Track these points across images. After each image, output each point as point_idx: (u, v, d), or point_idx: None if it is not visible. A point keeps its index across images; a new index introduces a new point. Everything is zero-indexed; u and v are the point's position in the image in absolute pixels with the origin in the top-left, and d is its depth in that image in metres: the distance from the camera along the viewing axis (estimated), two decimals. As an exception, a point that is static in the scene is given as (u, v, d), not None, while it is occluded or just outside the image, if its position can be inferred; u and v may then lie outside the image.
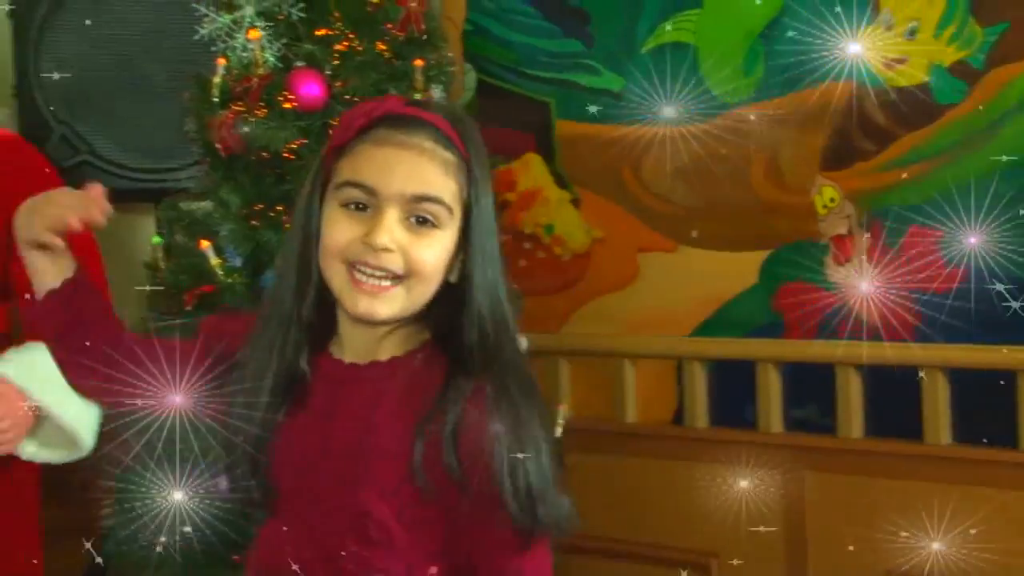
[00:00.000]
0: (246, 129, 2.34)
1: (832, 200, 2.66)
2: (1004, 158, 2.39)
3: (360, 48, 2.42)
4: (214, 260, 2.31)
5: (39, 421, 2.20)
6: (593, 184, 3.05)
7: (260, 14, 2.37)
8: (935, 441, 2.52)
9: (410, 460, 1.35)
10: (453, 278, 1.43)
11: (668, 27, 2.91)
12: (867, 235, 2.60)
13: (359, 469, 1.38)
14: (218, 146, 2.38)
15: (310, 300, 1.44)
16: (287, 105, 2.35)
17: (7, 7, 2.82)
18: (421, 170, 1.40)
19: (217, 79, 2.39)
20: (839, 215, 2.65)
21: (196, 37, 2.37)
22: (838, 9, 2.59)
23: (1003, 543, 2.23)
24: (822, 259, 2.67)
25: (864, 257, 2.61)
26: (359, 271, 1.39)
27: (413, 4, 2.50)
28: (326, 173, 1.45)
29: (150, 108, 2.78)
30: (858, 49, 2.53)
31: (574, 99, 3.06)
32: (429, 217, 1.40)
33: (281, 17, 2.38)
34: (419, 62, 2.44)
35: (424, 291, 1.41)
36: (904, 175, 2.52)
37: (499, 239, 1.47)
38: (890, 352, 2.41)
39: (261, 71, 2.36)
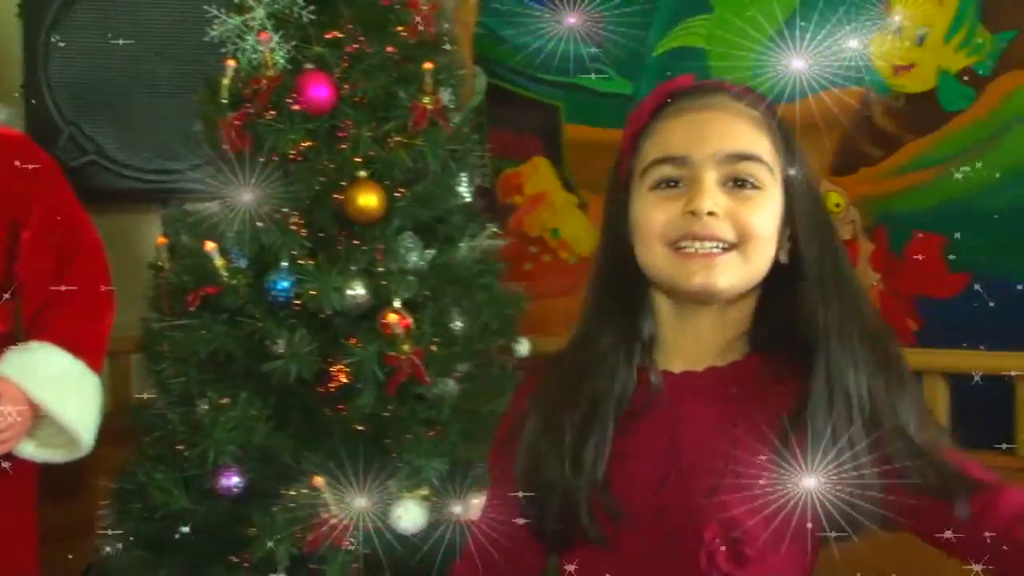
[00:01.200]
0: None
1: (837, 206, 2.65)
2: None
3: (370, 51, 2.41)
4: (219, 261, 2.31)
5: (39, 420, 2.21)
6: (601, 188, 3.03)
7: (271, 16, 2.36)
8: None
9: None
10: (783, 257, 1.32)
11: (679, 31, 2.91)
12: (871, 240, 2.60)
13: (726, 485, 1.26)
14: (226, 147, 2.38)
15: (646, 307, 1.34)
16: (296, 107, 2.34)
17: (17, 6, 2.83)
18: (731, 127, 1.31)
19: (226, 81, 2.39)
20: (844, 220, 2.64)
21: (206, 39, 2.37)
22: (849, 15, 2.60)
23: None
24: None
25: (868, 262, 2.60)
26: (686, 246, 1.28)
27: (424, 7, 2.49)
28: (626, 171, 1.36)
29: (158, 109, 2.78)
30: (870, 55, 2.54)
31: (584, 103, 3.06)
32: (749, 178, 1.29)
33: (291, 20, 2.38)
34: (429, 65, 2.43)
35: (761, 259, 1.29)
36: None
37: (826, 213, 1.35)
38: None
39: (271, 73, 2.36)
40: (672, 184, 1.30)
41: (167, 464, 2.28)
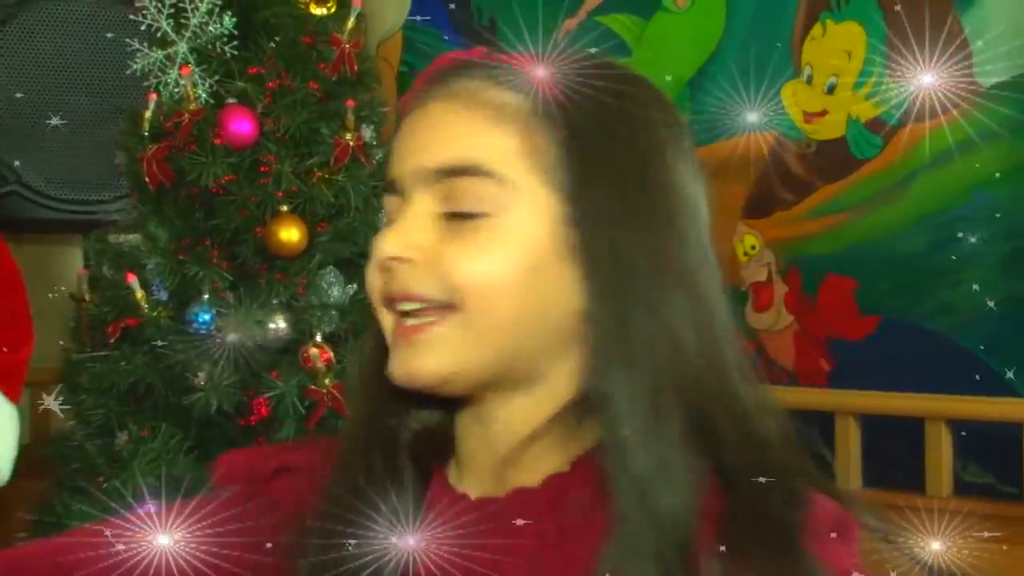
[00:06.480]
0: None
1: (753, 248, 2.71)
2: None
3: (292, 87, 2.43)
4: (139, 293, 2.31)
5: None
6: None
7: (193, 51, 2.37)
8: (846, 485, 2.57)
9: None
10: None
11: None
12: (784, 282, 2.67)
13: None
14: (147, 180, 2.38)
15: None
16: (217, 141, 2.35)
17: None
18: (446, 128, 0.86)
19: (148, 113, 2.39)
20: (759, 262, 2.70)
21: (128, 72, 2.37)
22: (761, 62, 2.68)
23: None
24: (741, 305, 2.72)
25: (782, 304, 2.67)
26: (401, 312, 0.85)
27: (346, 45, 2.52)
28: None
29: (80, 140, 2.77)
30: (782, 101, 2.61)
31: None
32: (463, 203, 0.83)
33: (214, 55, 2.39)
34: (351, 102, 2.46)
35: (491, 323, 0.82)
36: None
37: (689, 241, 0.90)
38: (804, 397, 2.46)
39: (193, 107, 2.36)
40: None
41: (86, 496, 2.26)
